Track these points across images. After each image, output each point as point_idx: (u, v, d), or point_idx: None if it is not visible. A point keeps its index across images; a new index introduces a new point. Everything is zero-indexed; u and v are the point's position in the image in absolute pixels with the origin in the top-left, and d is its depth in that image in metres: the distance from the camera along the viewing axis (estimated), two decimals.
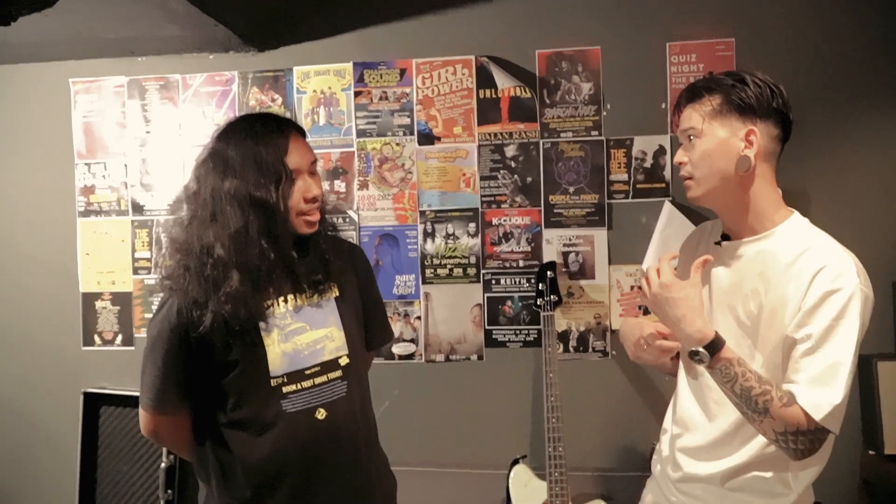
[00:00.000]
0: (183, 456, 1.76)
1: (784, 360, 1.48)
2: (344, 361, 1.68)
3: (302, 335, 1.63)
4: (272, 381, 1.59)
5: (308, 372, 1.62)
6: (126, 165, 2.99)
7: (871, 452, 2.50)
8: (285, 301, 1.64)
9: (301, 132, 1.71)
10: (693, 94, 1.56)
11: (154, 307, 2.94)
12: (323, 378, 1.64)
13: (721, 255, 1.62)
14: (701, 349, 1.45)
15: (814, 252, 1.47)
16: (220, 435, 1.63)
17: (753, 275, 1.53)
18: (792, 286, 1.46)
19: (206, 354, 1.58)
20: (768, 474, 1.53)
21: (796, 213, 1.57)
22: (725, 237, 1.62)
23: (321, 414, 1.62)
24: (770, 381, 1.44)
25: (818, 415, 1.39)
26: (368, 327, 1.83)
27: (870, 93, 2.60)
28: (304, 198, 1.62)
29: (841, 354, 1.41)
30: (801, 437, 1.41)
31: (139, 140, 2.98)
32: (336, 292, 1.71)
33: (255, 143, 1.59)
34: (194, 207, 1.60)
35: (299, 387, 1.61)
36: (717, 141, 1.51)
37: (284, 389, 1.60)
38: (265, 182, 1.56)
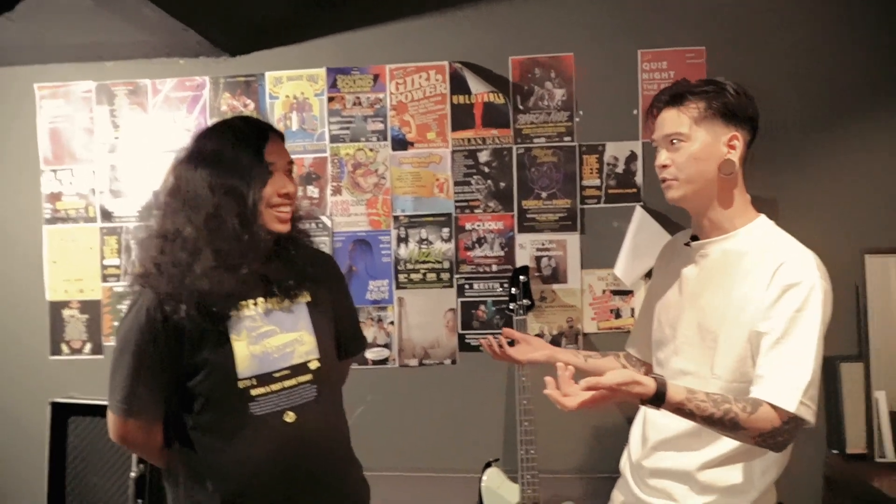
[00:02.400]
0: (153, 461, 1.73)
1: (753, 355, 1.52)
2: (314, 365, 1.67)
3: (272, 338, 1.62)
4: (240, 382, 1.57)
5: (277, 375, 1.61)
6: (94, 172, 2.94)
7: (834, 452, 2.57)
8: (255, 304, 1.63)
9: (280, 135, 1.71)
10: (675, 98, 1.60)
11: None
12: (292, 381, 1.62)
13: (690, 254, 1.68)
14: (649, 404, 1.46)
15: (775, 250, 1.53)
16: (189, 440, 1.61)
17: (719, 272, 1.59)
18: (754, 282, 1.51)
19: (175, 355, 1.56)
20: (733, 471, 1.58)
21: (763, 216, 1.63)
22: (695, 238, 1.68)
23: (290, 417, 1.61)
24: (727, 398, 1.46)
25: (790, 406, 1.42)
26: (342, 336, 1.83)
27: (838, 102, 2.66)
28: (277, 192, 1.62)
29: (804, 344, 1.45)
30: (779, 432, 1.45)
31: (108, 146, 2.93)
32: (308, 297, 1.71)
33: (234, 135, 1.62)
34: (165, 200, 1.61)
35: (268, 389, 1.59)
36: (702, 144, 1.57)
37: (253, 392, 1.58)
38: (240, 171, 1.57)
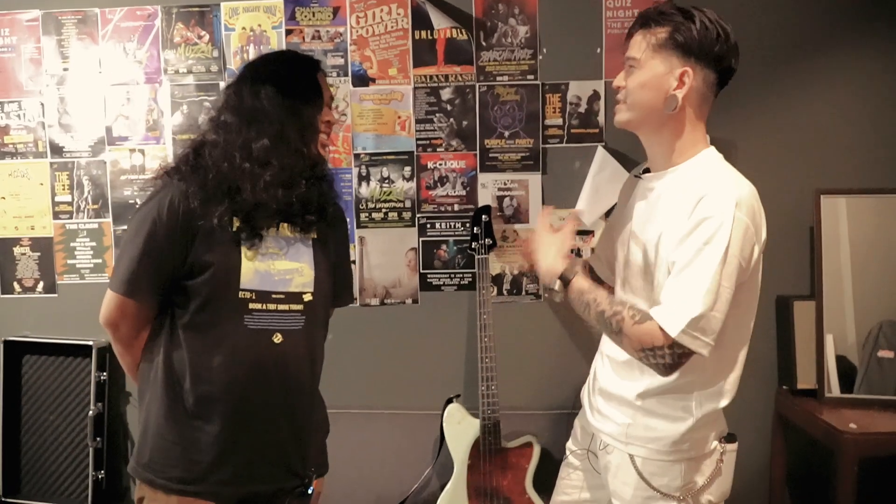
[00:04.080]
0: (128, 357, 1.74)
1: None
2: (307, 297, 1.71)
3: (276, 260, 1.68)
4: (240, 293, 1.63)
5: (274, 296, 1.66)
6: (43, 105, 2.83)
7: (784, 387, 2.65)
8: (274, 227, 1.69)
9: (324, 72, 1.82)
10: (643, 21, 1.59)
11: (77, 253, 2.85)
12: (285, 307, 1.67)
13: (641, 188, 1.68)
14: (555, 284, 1.61)
15: (703, 182, 1.52)
16: (177, 337, 1.64)
17: (661, 206, 1.60)
18: (678, 214, 1.52)
19: (185, 249, 1.61)
20: (669, 400, 1.62)
21: (711, 148, 1.62)
22: (647, 171, 1.68)
23: (278, 338, 1.65)
24: (623, 303, 1.55)
25: (673, 331, 1.44)
26: (336, 286, 1.88)
27: (796, 45, 2.66)
28: (322, 119, 1.74)
29: (702, 275, 1.45)
30: (660, 352, 1.47)
31: (56, 78, 2.82)
32: (316, 235, 1.76)
33: (292, 63, 1.80)
34: (224, 116, 1.69)
35: (264, 307, 1.65)
36: (652, 74, 1.56)
37: (251, 306, 1.63)
38: (302, 94, 1.71)
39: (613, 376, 1.71)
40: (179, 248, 1.61)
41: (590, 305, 1.54)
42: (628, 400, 1.66)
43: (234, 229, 1.63)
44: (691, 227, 1.47)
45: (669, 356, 1.47)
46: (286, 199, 1.65)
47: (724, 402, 1.64)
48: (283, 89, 1.68)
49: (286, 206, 1.66)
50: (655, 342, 1.46)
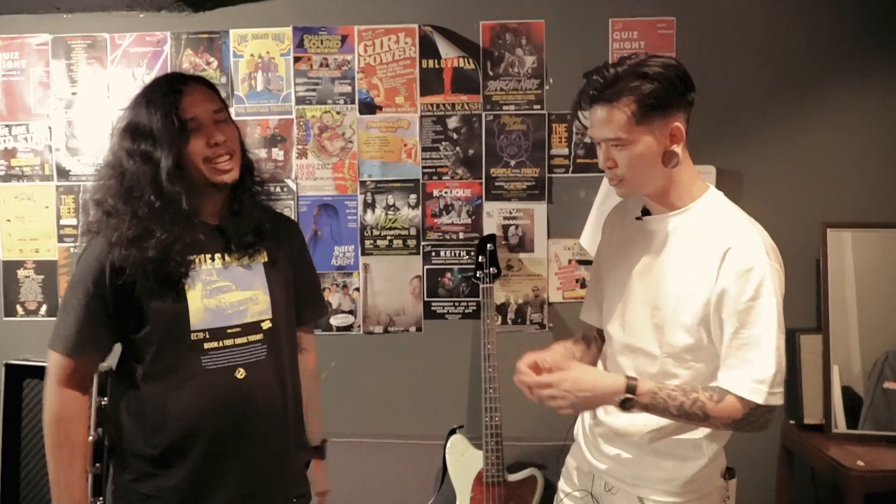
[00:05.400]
0: (75, 411, 1.61)
1: (702, 336, 1.51)
2: (266, 325, 1.66)
3: (227, 294, 1.62)
4: (192, 335, 1.57)
5: (230, 331, 1.61)
6: (50, 128, 2.85)
7: (791, 422, 2.62)
8: (212, 259, 1.63)
9: (202, 83, 1.67)
10: (601, 96, 1.48)
11: None
12: (243, 339, 1.62)
13: (640, 229, 1.64)
14: (626, 399, 1.46)
15: (724, 229, 1.49)
16: (136, 388, 1.60)
17: (669, 250, 1.56)
18: (704, 263, 1.48)
19: (125, 301, 1.56)
20: (682, 439, 1.59)
21: (712, 188, 1.59)
22: (646, 212, 1.63)
23: (241, 374, 1.61)
24: (695, 388, 1.48)
25: (759, 398, 1.44)
26: (301, 300, 1.82)
27: (806, 77, 2.67)
28: (206, 144, 1.58)
29: (762, 334, 1.44)
30: (751, 418, 1.46)
31: (64, 101, 2.84)
32: (265, 258, 1.70)
33: (146, 99, 1.59)
34: (103, 170, 1.63)
35: (220, 344, 1.59)
36: (645, 145, 1.48)
37: (206, 346, 1.58)
38: (152, 135, 1.55)
39: (616, 418, 1.65)
40: (118, 301, 1.56)
41: (667, 402, 1.46)
42: (636, 439, 1.62)
43: (162, 272, 1.55)
44: (730, 282, 1.45)
45: (761, 418, 1.47)
46: (175, 231, 1.56)
47: (727, 437, 1.63)
48: (132, 135, 1.58)
49: (184, 237, 1.57)
50: (740, 414, 1.46)
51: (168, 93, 1.58)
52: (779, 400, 1.46)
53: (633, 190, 1.57)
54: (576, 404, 1.50)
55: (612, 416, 1.68)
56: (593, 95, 1.49)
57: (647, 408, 1.48)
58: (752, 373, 1.45)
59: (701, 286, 1.49)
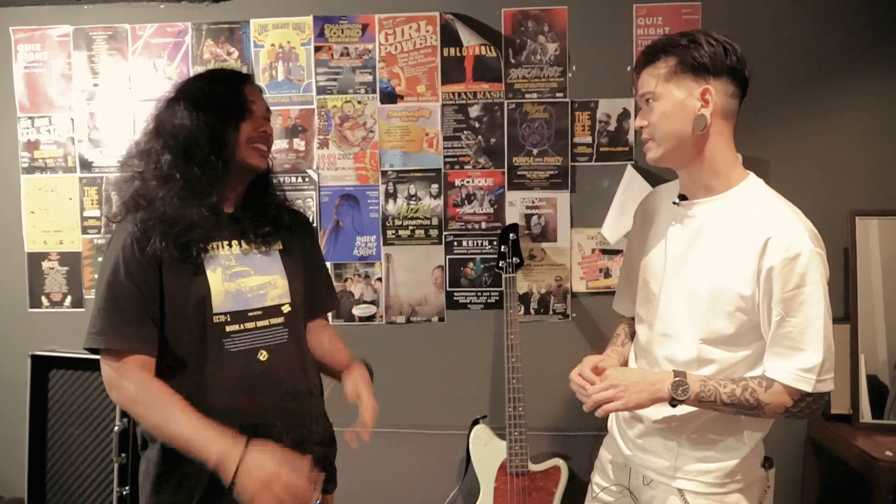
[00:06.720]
0: (146, 380, 1.58)
1: (742, 323, 1.50)
2: (286, 309, 1.69)
3: (246, 278, 1.65)
4: (215, 317, 1.59)
5: (251, 314, 1.63)
6: (73, 120, 2.85)
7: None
8: (230, 246, 1.66)
9: (259, 88, 1.76)
10: (649, 57, 1.56)
11: None
12: (265, 322, 1.65)
13: (677, 213, 1.63)
14: (679, 384, 1.48)
15: (765, 217, 1.49)
16: (161, 372, 1.58)
17: (707, 236, 1.55)
18: (745, 250, 1.48)
19: (153, 287, 1.56)
20: (722, 429, 1.58)
21: (752, 175, 1.58)
22: (683, 197, 1.63)
23: (263, 356, 1.63)
24: (743, 377, 1.50)
25: (808, 387, 1.44)
26: (312, 291, 1.83)
27: (833, 63, 2.63)
28: (255, 129, 1.68)
29: (810, 321, 1.44)
30: (802, 405, 1.47)
31: (86, 93, 2.84)
32: (280, 246, 1.74)
33: (213, 78, 1.70)
34: (145, 144, 1.65)
35: (242, 327, 1.62)
36: (673, 102, 1.52)
37: (227, 329, 1.60)
38: (218, 106, 1.63)
39: (654, 411, 1.65)
40: (147, 288, 1.55)
41: (718, 391, 1.47)
42: (676, 430, 1.61)
43: (184, 255, 1.57)
44: (775, 270, 1.44)
45: (813, 404, 1.48)
46: (208, 210, 1.59)
47: (768, 427, 1.61)
48: (196, 106, 1.62)
49: (207, 220, 1.59)
50: (789, 401, 1.46)
51: (233, 78, 1.70)
52: (828, 386, 1.46)
53: (662, 152, 1.57)
54: (629, 402, 1.51)
55: (649, 408, 1.67)
56: (645, 59, 1.56)
57: (699, 396, 1.48)
58: (799, 362, 1.45)
59: (741, 274, 1.48)
